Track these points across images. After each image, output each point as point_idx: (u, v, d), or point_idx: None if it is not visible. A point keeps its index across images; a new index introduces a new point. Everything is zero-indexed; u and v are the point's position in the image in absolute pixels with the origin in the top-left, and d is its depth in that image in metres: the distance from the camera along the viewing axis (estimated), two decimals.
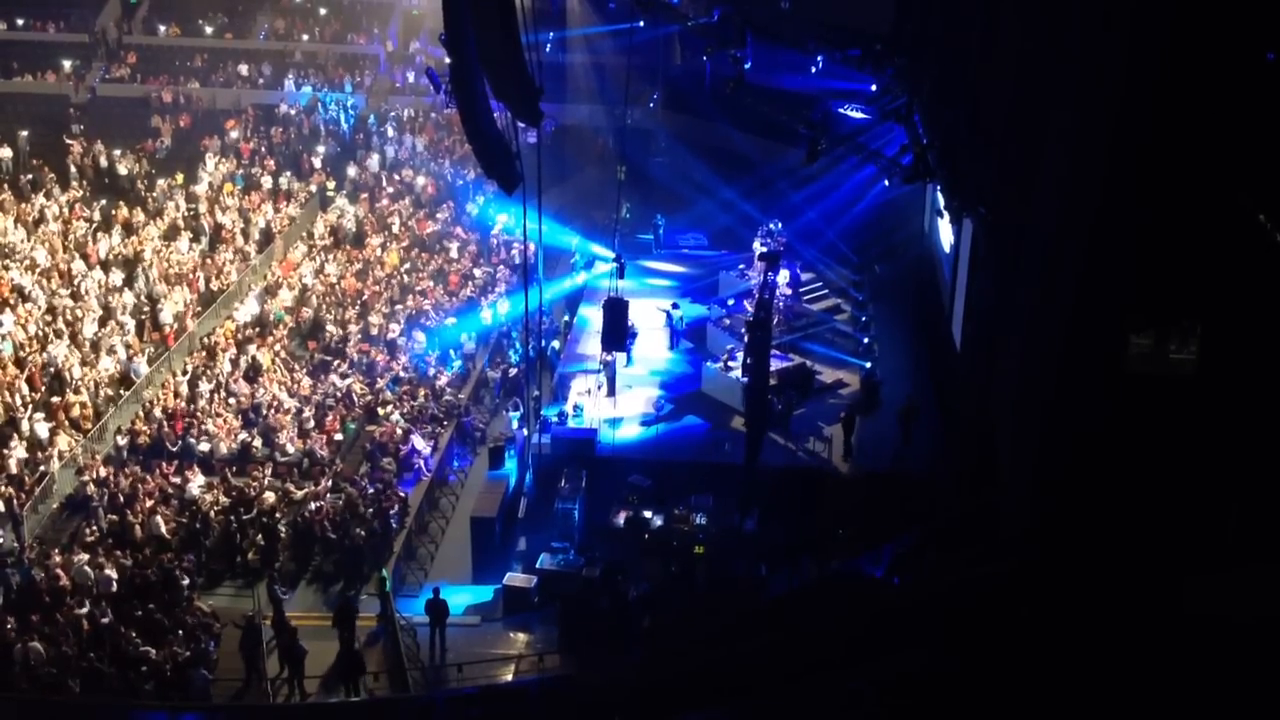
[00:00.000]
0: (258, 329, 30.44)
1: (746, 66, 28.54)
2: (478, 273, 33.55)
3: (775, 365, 25.27)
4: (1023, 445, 19.48)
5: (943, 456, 23.98)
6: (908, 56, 27.65)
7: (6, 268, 32.03)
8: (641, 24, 33.72)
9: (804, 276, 31.34)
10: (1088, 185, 16.95)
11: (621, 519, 23.27)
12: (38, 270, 32.11)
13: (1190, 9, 14.74)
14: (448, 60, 20.08)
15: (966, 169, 22.74)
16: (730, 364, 26.70)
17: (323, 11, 45.26)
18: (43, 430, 25.63)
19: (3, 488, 23.81)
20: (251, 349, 29.18)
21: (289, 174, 38.60)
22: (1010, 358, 20.71)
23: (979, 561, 18.79)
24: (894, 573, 20.44)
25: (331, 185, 38.52)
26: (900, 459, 24.33)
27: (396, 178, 38.91)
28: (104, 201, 36.67)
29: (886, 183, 29.94)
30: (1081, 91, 17.28)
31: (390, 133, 40.80)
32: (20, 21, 44.04)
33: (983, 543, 19.43)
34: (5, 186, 37.27)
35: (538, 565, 22.20)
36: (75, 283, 31.63)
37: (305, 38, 44.39)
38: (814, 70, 30.79)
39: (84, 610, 20.50)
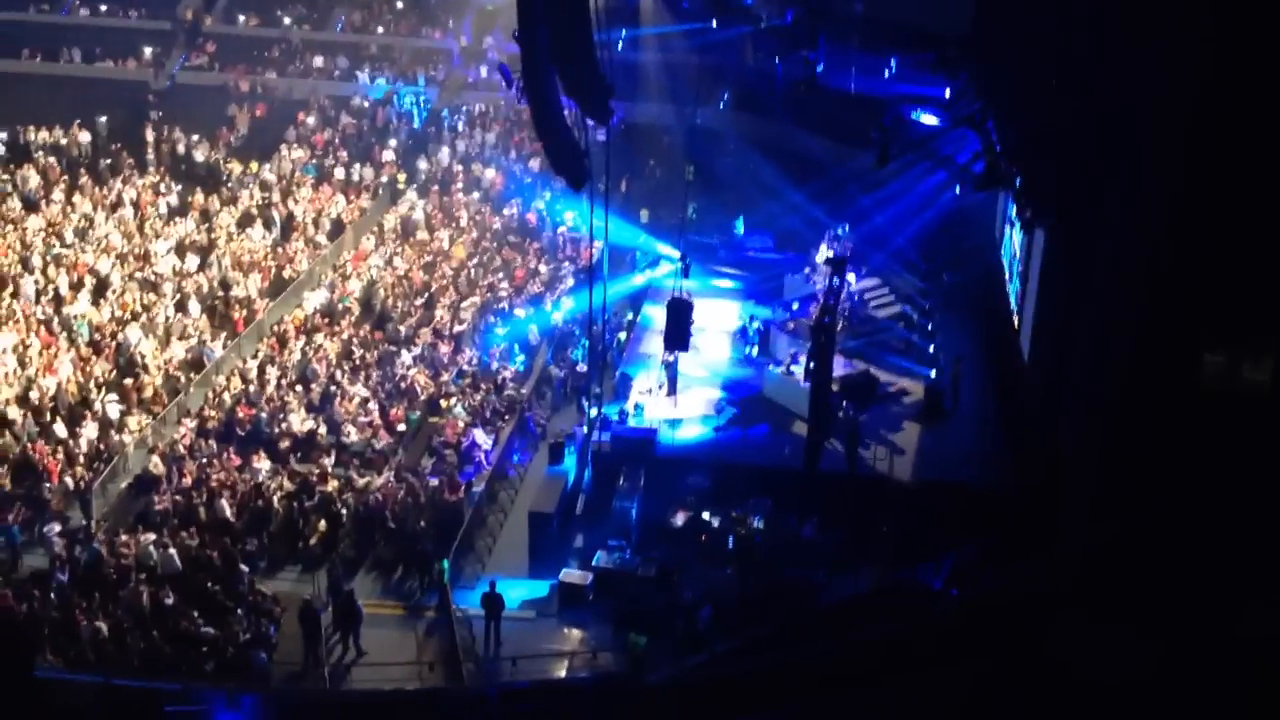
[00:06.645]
0: (326, 318, 30.78)
1: (818, 69, 28.37)
2: (543, 269, 33.67)
3: (839, 371, 25.11)
4: (1087, 460, 19.24)
5: (1008, 469, 23.70)
6: (983, 62, 27.31)
7: (84, 250, 32.77)
8: (715, 24, 33.70)
9: (870, 282, 31.08)
10: (1163, 198, 16.71)
11: (679, 519, 23.25)
12: (114, 254, 32.76)
13: (1270, 18, 14.48)
14: (520, 56, 20.18)
15: (1039, 179, 22.42)
16: (793, 368, 26.56)
17: (399, 5, 45.68)
18: (114, 411, 26.15)
19: (73, 467, 24.42)
20: (319, 338, 29.54)
21: (361, 166, 39.00)
22: (1079, 371, 20.45)
23: (1038, 576, 18.58)
24: (953, 584, 20.27)
25: (402, 178, 38.87)
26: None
27: (466, 172, 39.15)
28: (180, 188, 37.34)
29: (958, 190, 29.62)
30: (1159, 104, 17.04)
31: (461, 127, 41.07)
32: (103, 8, 44.93)
33: (1043, 558, 19.22)
34: (84, 171, 38.09)
35: (594, 563, 22.21)
36: (150, 267, 32.22)
37: (380, 30, 44.82)
38: (887, 74, 30.53)
39: (148, 590, 20.90)
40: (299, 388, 27.41)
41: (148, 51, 43.45)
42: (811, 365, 24.20)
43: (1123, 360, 17.86)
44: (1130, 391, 17.47)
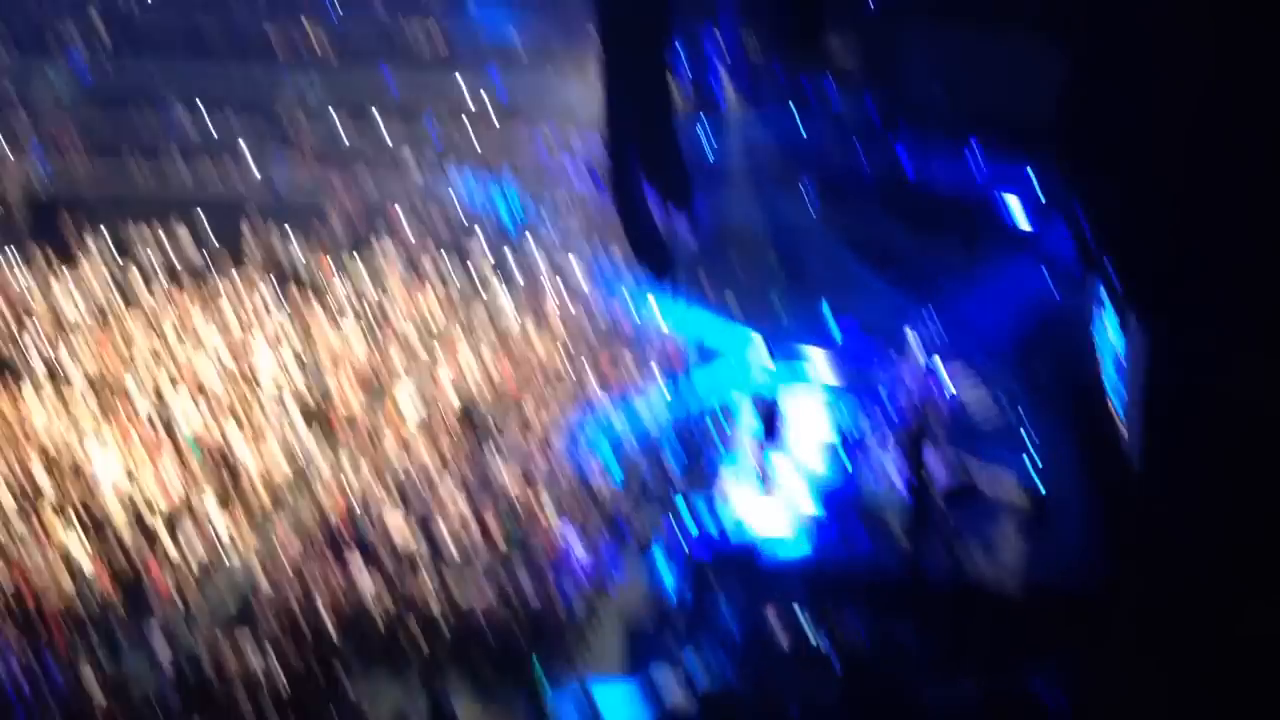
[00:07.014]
0: (421, 419, 31.06)
1: (901, 155, 28.40)
2: (632, 364, 33.67)
3: (934, 473, 24.86)
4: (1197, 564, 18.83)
5: (1113, 573, 23.19)
6: (1070, 144, 27.13)
7: (184, 348, 33.57)
8: (796, 113, 33.98)
9: (962, 375, 30.66)
10: (1266, 281, 16.49)
11: (776, 625, 23.03)
12: (212, 354, 33.50)
13: None
14: (605, 148, 20.50)
15: (1133, 264, 22.18)
16: (888, 470, 26.27)
17: (485, 98, 46.48)
18: (214, 516, 26.62)
19: (176, 574, 24.91)
20: (414, 440, 29.80)
21: (450, 261, 39.56)
22: (1183, 468, 20.03)
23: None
24: (1064, 695, 19.89)
25: (491, 272, 39.31)
26: None
27: (552, 264, 39.46)
28: (276, 286, 38.22)
29: (1048, 276, 29.32)
30: (1260, 181, 16.85)
31: (547, 219, 41.51)
32: (200, 105, 46.29)
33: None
34: (181, 268, 39.12)
35: (687, 671, 22.10)
36: (247, 367, 32.90)
37: (466, 122, 45.60)
38: (971, 158, 30.46)
39: (250, 701, 21.17)
40: (395, 492, 27.66)
41: (245, 149, 44.70)
42: (907, 468, 24.03)
43: (1227, 455, 17.54)
44: (1237, 488, 17.16)
